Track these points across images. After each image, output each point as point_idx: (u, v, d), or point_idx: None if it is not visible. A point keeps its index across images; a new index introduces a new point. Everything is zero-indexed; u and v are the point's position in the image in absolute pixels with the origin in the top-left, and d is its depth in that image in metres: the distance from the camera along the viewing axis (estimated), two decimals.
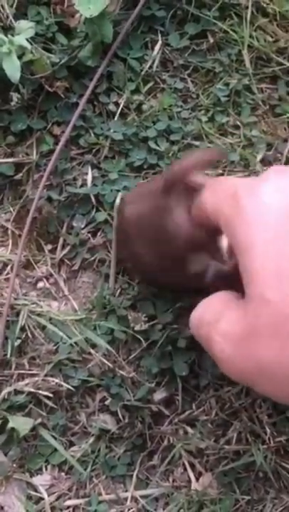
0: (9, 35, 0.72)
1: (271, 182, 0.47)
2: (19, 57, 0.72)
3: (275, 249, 0.44)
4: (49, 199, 0.76)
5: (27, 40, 0.73)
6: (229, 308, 0.48)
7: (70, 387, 0.71)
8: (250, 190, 0.47)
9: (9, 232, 0.77)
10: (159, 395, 0.71)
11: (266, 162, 0.76)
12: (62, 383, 0.71)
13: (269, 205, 0.45)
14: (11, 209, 0.77)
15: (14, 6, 0.76)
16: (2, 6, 0.75)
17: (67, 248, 0.76)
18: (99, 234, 0.75)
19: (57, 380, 0.71)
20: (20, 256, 0.74)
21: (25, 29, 0.74)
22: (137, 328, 0.71)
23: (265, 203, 0.45)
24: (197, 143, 0.76)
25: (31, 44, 0.73)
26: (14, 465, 0.71)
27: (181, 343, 0.70)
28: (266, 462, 0.69)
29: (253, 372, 0.45)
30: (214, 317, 0.49)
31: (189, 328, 0.54)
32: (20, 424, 0.71)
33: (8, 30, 0.75)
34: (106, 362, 0.71)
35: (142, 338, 0.71)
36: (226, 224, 0.48)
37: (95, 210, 0.75)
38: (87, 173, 0.76)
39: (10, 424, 0.70)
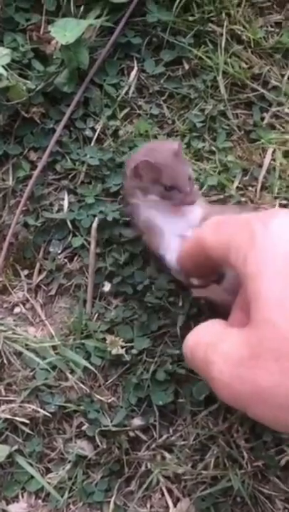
0: None
1: (282, 217, 0.50)
2: None
3: (282, 278, 0.46)
4: (25, 224, 0.76)
5: (3, 66, 0.73)
6: (230, 332, 0.49)
7: (46, 413, 0.71)
8: (263, 224, 0.49)
9: None
10: (137, 422, 0.71)
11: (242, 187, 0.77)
12: (39, 410, 0.71)
13: (280, 238, 0.48)
14: None
15: None
16: None
17: (44, 273, 0.76)
18: (75, 259, 0.75)
19: (33, 407, 0.71)
20: None
21: (1, 56, 0.74)
22: (114, 352, 0.70)
23: (277, 236, 0.48)
24: None
25: (7, 70, 0.74)
26: None
27: (160, 376, 0.71)
28: (243, 487, 0.69)
29: (250, 396, 0.46)
30: (214, 339, 0.50)
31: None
32: None
33: None
34: (83, 387, 0.71)
35: (119, 363, 0.72)
36: (237, 253, 0.50)
37: (71, 235, 0.75)
38: (63, 199, 0.76)
39: None
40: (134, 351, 0.71)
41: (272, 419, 0.46)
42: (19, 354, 0.73)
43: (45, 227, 0.76)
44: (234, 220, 0.54)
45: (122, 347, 0.71)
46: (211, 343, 0.50)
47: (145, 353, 0.71)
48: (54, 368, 0.72)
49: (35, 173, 0.76)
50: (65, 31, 0.74)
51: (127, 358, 0.71)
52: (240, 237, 0.50)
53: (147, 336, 0.72)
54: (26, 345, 0.72)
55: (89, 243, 0.74)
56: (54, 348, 0.72)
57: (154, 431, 0.71)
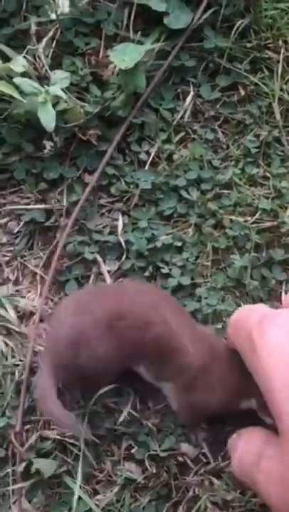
0: (45, 85, 0.73)
1: (280, 323, 0.49)
2: (53, 106, 0.73)
3: None
4: (78, 245, 0.76)
5: (62, 89, 0.74)
6: (268, 446, 0.49)
7: (96, 439, 0.71)
8: (262, 333, 0.49)
9: (38, 277, 0.77)
10: (186, 448, 0.71)
11: None
12: (91, 437, 0.71)
13: (279, 347, 0.48)
14: (41, 254, 0.78)
15: (50, 56, 0.78)
16: (38, 57, 0.77)
17: None
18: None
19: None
20: (43, 301, 0.74)
21: (60, 79, 0.75)
22: None
23: (276, 345, 0.48)
24: (227, 191, 0.77)
25: (66, 93, 0.75)
26: None
27: None
28: None
29: None
30: (255, 457, 0.50)
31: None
32: (45, 465, 0.70)
33: (43, 79, 0.76)
34: (131, 411, 0.71)
35: None
36: (247, 364, 0.51)
37: (124, 257, 0.76)
38: (117, 220, 0.77)
39: (34, 466, 0.69)
40: None
41: None
42: None
43: (98, 248, 0.76)
44: (244, 326, 0.53)
45: None
46: (254, 461, 0.50)
47: None
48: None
49: (85, 193, 0.76)
50: (124, 56, 0.75)
51: None
52: (246, 349, 0.51)
53: None
54: None
55: (140, 268, 0.75)
56: None
57: (203, 456, 0.71)
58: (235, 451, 0.54)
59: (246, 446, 0.53)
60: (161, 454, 0.70)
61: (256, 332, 0.50)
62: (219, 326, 0.72)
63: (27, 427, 0.72)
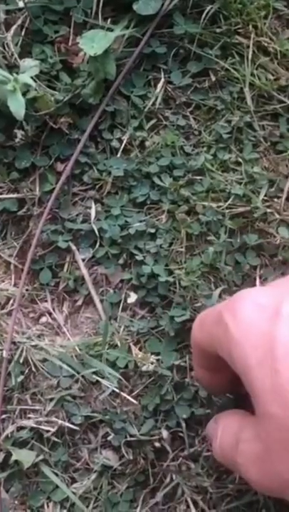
0: (14, 73, 0.73)
1: (248, 301, 0.50)
2: (23, 95, 0.73)
3: (267, 366, 0.46)
4: (52, 233, 0.76)
5: (31, 78, 0.74)
6: (244, 428, 0.50)
7: (73, 426, 0.71)
8: (232, 314, 0.50)
9: (12, 266, 0.77)
10: (164, 433, 0.71)
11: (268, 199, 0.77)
12: (66, 424, 0.71)
13: (251, 326, 0.48)
14: (15, 243, 0.77)
15: (19, 44, 0.77)
16: (7, 45, 0.77)
17: (70, 283, 0.76)
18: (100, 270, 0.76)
19: (60, 420, 0.71)
20: (21, 290, 0.74)
21: (30, 67, 0.75)
22: (145, 368, 0.71)
23: (248, 324, 0.48)
24: (199, 177, 0.77)
25: (35, 81, 0.74)
26: (16, 502, 0.71)
27: (188, 395, 0.71)
28: (270, 500, 0.69)
29: (279, 488, 0.46)
30: (233, 440, 0.51)
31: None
32: (24, 456, 0.70)
33: (12, 68, 0.76)
34: (108, 398, 0.71)
35: (144, 374, 0.72)
36: (222, 350, 0.51)
37: (98, 244, 0.76)
38: (90, 208, 0.77)
39: (13, 457, 0.70)
40: (162, 365, 0.71)
41: None
42: (45, 363, 0.73)
43: (71, 236, 0.76)
44: (211, 314, 0.54)
45: (152, 363, 0.71)
46: (232, 445, 0.51)
47: (175, 369, 0.72)
48: (79, 379, 0.72)
49: (60, 182, 0.76)
50: (93, 43, 0.74)
51: (160, 372, 0.71)
52: (218, 333, 0.51)
53: (176, 350, 0.72)
54: (52, 354, 0.72)
55: (113, 255, 0.75)
56: (79, 358, 0.73)
57: (180, 441, 0.71)
58: (216, 438, 0.55)
59: (224, 432, 0.54)
60: (139, 439, 0.70)
61: (227, 313, 0.50)
62: None
63: (3, 416, 0.72)
